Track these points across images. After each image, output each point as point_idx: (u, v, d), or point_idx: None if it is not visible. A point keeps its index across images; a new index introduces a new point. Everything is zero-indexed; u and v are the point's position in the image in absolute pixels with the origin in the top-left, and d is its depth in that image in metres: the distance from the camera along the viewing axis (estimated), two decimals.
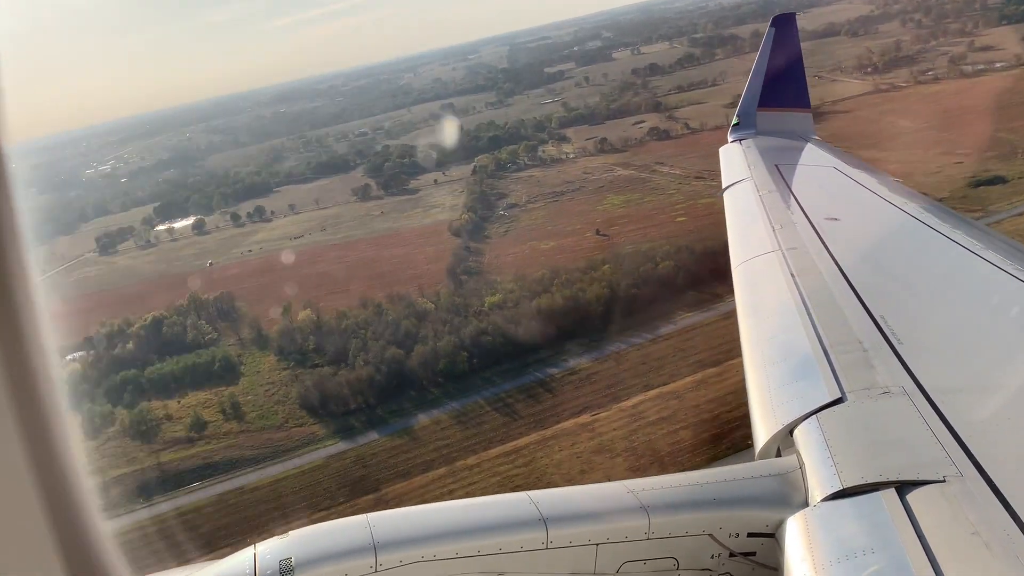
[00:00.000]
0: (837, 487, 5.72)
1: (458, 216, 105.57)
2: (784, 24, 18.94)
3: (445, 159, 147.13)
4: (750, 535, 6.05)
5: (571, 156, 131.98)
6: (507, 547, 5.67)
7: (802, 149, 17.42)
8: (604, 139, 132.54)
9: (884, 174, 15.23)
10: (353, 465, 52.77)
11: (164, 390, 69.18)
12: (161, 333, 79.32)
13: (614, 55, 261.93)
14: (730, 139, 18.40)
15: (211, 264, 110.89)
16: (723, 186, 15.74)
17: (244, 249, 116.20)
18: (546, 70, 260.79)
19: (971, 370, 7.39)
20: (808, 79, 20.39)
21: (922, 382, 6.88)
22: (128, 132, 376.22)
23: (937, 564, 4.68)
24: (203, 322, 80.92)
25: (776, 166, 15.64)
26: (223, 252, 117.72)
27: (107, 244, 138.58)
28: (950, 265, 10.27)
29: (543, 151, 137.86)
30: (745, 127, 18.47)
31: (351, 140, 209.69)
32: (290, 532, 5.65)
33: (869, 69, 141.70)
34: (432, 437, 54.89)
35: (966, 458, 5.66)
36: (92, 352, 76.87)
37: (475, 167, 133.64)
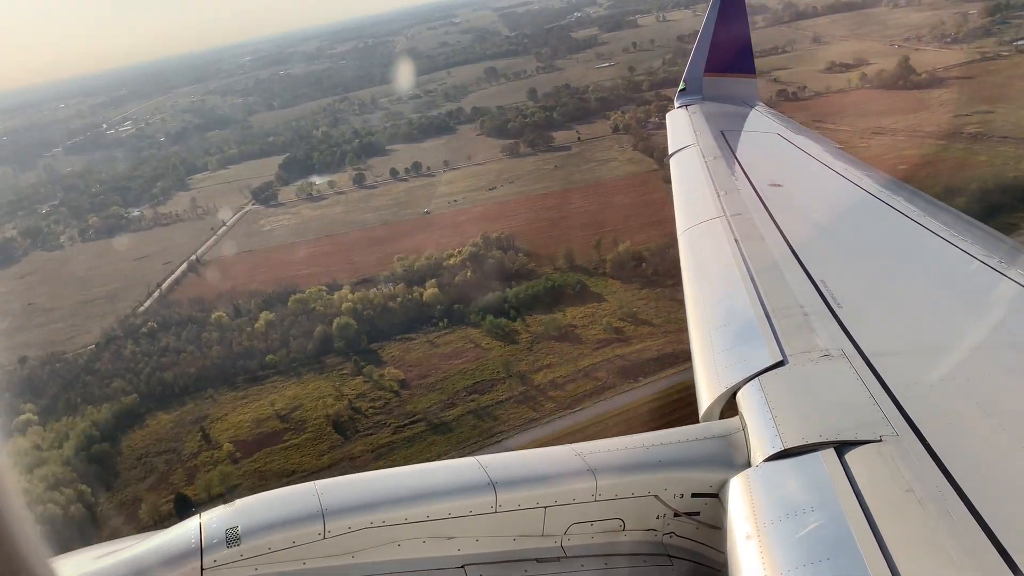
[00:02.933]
0: (779, 448, 5.84)
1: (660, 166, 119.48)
2: None
3: (563, 120, 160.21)
4: (694, 495, 6.18)
5: None
6: (456, 512, 5.80)
7: (747, 115, 17.77)
8: None
9: (827, 141, 15.62)
10: None
11: (536, 308, 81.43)
12: (484, 265, 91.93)
13: (639, 21, 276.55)
14: (676, 104, 18.65)
15: (427, 212, 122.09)
16: (669, 152, 15.91)
17: (447, 199, 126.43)
18: (572, 34, 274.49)
19: (907, 333, 7.53)
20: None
21: (860, 345, 7.00)
22: (107, 92, 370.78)
23: (873, 520, 4.87)
24: (520, 255, 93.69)
25: (722, 132, 15.95)
26: (417, 203, 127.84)
27: (267, 198, 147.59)
28: (889, 231, 10.46)
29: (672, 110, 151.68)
30: (691, 92, 18.72)
31: (408, 103, 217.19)
32: (236, 501, 5.77)
33: (948, 39, 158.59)
34: None
35: (901, 418, 5.82)
36: (436, 280, 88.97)
37: (615, 125, 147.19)
